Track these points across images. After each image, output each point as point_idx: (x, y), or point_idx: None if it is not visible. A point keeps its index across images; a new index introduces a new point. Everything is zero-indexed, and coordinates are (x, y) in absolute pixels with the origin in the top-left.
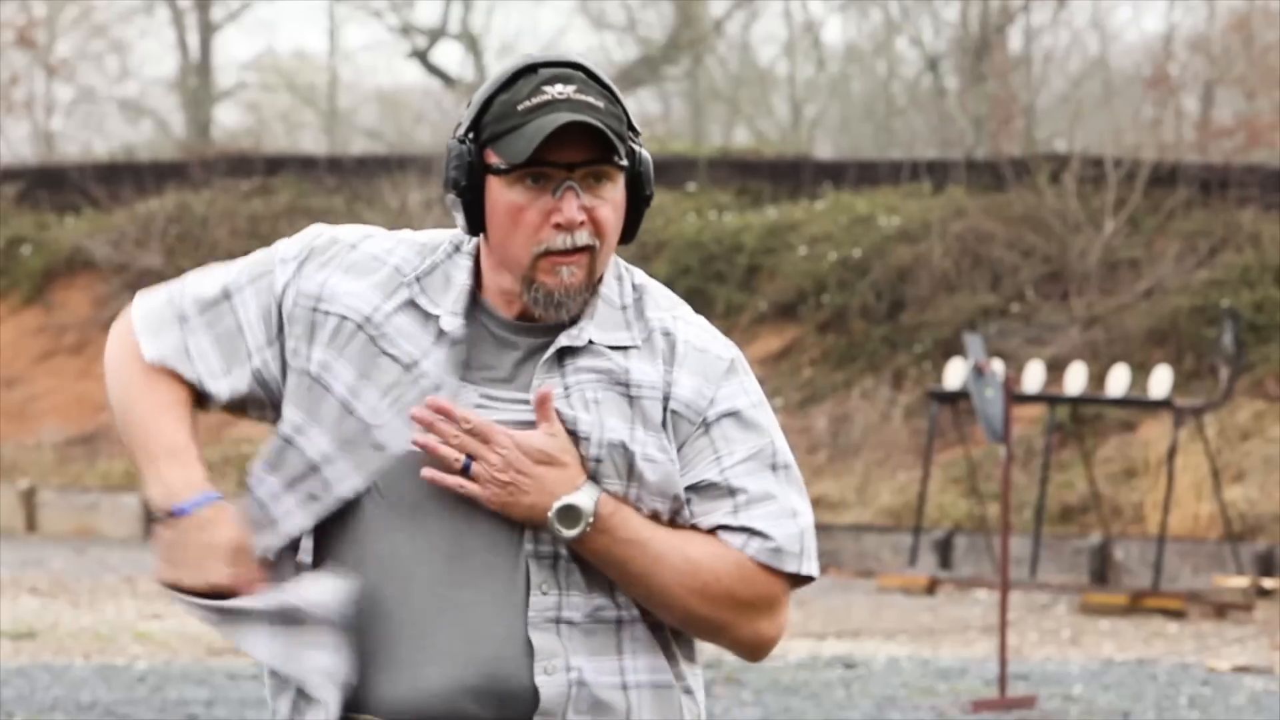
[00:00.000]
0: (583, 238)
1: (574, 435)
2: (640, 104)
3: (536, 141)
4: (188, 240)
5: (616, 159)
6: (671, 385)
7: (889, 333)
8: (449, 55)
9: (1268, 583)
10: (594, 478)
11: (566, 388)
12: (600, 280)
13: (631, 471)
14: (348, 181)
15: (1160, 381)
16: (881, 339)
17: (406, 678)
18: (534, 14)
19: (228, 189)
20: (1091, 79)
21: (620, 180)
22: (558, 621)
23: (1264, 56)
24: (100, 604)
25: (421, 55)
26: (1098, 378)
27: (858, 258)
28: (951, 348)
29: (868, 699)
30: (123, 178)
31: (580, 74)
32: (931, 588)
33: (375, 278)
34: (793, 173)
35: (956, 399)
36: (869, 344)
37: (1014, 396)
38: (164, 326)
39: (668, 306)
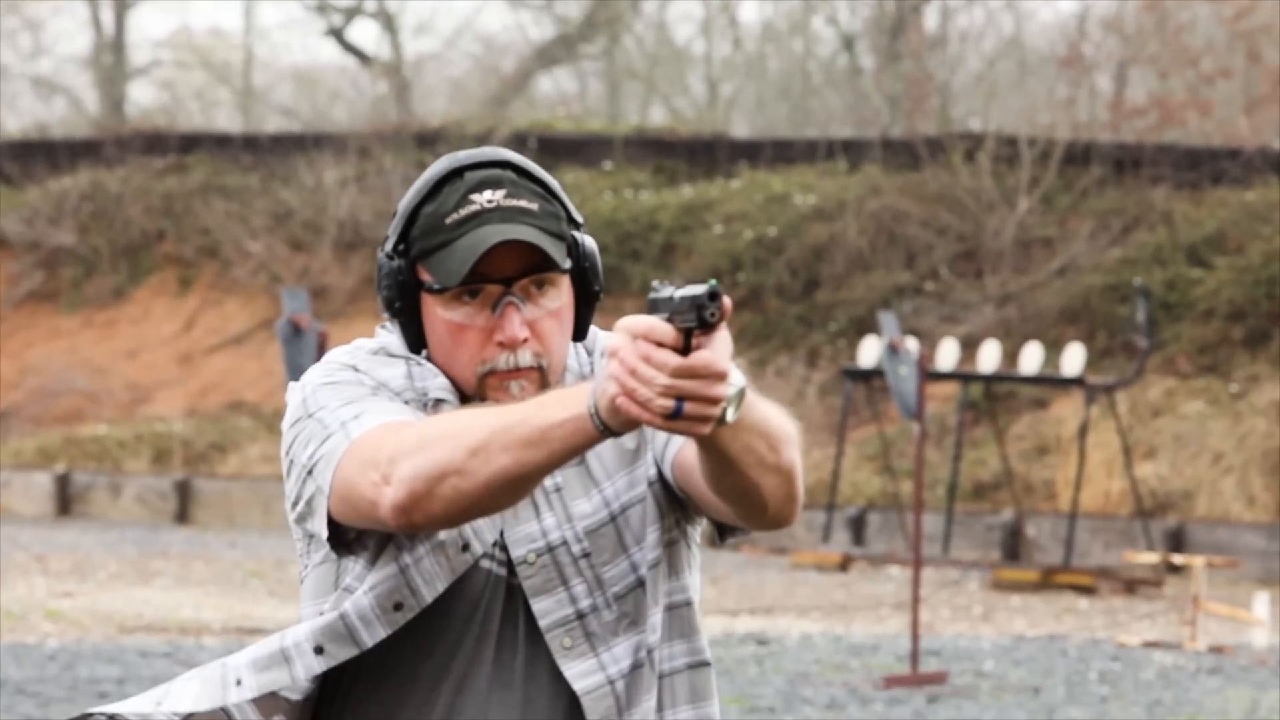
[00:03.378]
0: (526, 357)
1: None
2: (557, 82)
3: (470, 263)
4: (101, 218)
5: (555, 265)
6: None
7: (804, 311)
8: (365, 33)
9: (1177, 559)
10: (591, 563)
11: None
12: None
13: (621, 541)
14: (263, 160)
15: (1073, 359)
16: (796, 317)
17: None
18: None
19: (142, 167)
20: (1006, 58)
21: (564, 283)
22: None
23: (1177, 36)
24: (11, 582)
25: (337, 33)
26: (1011, 355)
27: (773, 236)
28: (866, 326)
29: (780, 675)
30: (36, 155)
31: (509, 173)
32: (845, 564)
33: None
34: (709, 151)
35: (871, 377)
36: (784, 322)
37: (928, 374)
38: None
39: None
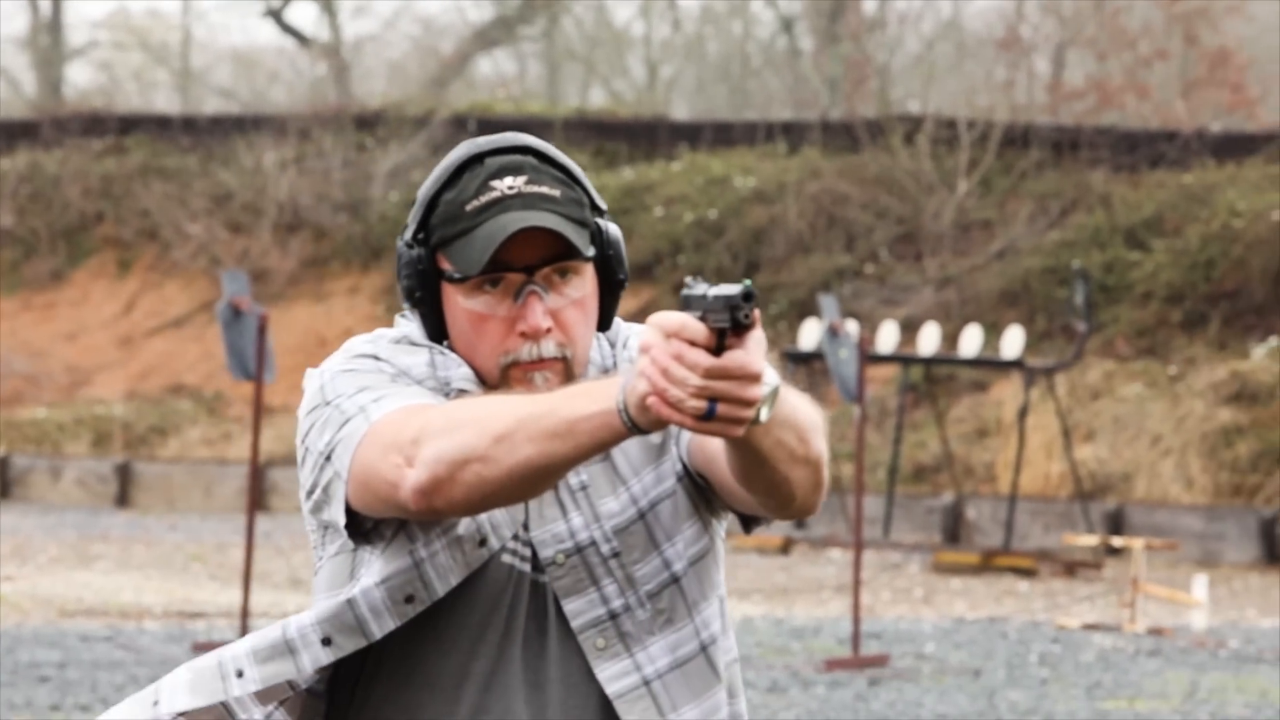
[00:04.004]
0: (549, 348)
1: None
2: (496, 64)
3: (490, 251)
4: (39, 200)
5: (579, 252)
6: None
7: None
8: (304, 14)
9: (1117, 541)
10: (621, 562)
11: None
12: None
13: (652, 538)
14: (202, 141)
15: (1012, 342)
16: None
17: None
18: None
19: (80, 148)
20: (945, 40)
21: (588, 271)
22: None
23: (1114, 18)
24: None
25: (276, 14)
26: (951, 338)
27: (713, 219)
28: (806, 308)
29: None
30: None
31: (530, 159)
32: (786, 547)
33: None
34: (649, 134)
35: (811, 359)
36: None
37: (868, 357)
38: (401, 405)
39: (637, 333)
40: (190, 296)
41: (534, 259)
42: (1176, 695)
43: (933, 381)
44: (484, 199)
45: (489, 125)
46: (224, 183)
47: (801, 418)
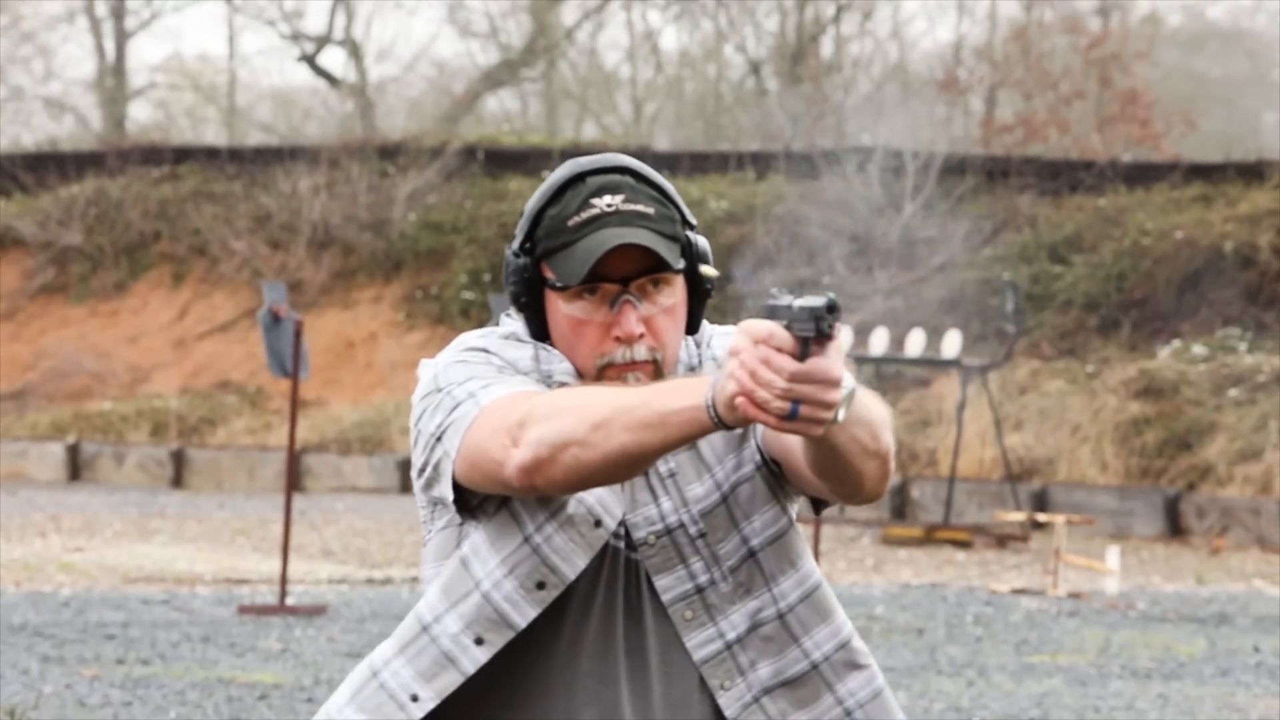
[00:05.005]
0: (641, 352)
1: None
2: (501, 102)
3: (589, 265)
4: (105, 220)
5: (669, 265)
6: None
7: (718, 302)
8: (334, 59)
9: (1041, 517)
10: (707, 542)
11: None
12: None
13: (733, 518)
14: (246, 169)
15: (951, 344)
16: (712, 308)
17: None
18: (408, 23)
19: (140, 176)
20: (892, 82)
21: (678, 281)
22: (757, 700)
23: (1039, 63)
24: (29, 539)
25: (310, 59)
26: (898, 340)
27: None
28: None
29: None
30: (48, 166)
31: (628, 179)
32: None
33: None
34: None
35: None
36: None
37: None
38: (504, 392)
39: (720, 334)
40: (235, 304)
41: (629, 271)
42: (1092, 650)
43: (882, 378)
44: (584, 215)
45: (495, 155)
46: (265, 205)
47: (873, 415)
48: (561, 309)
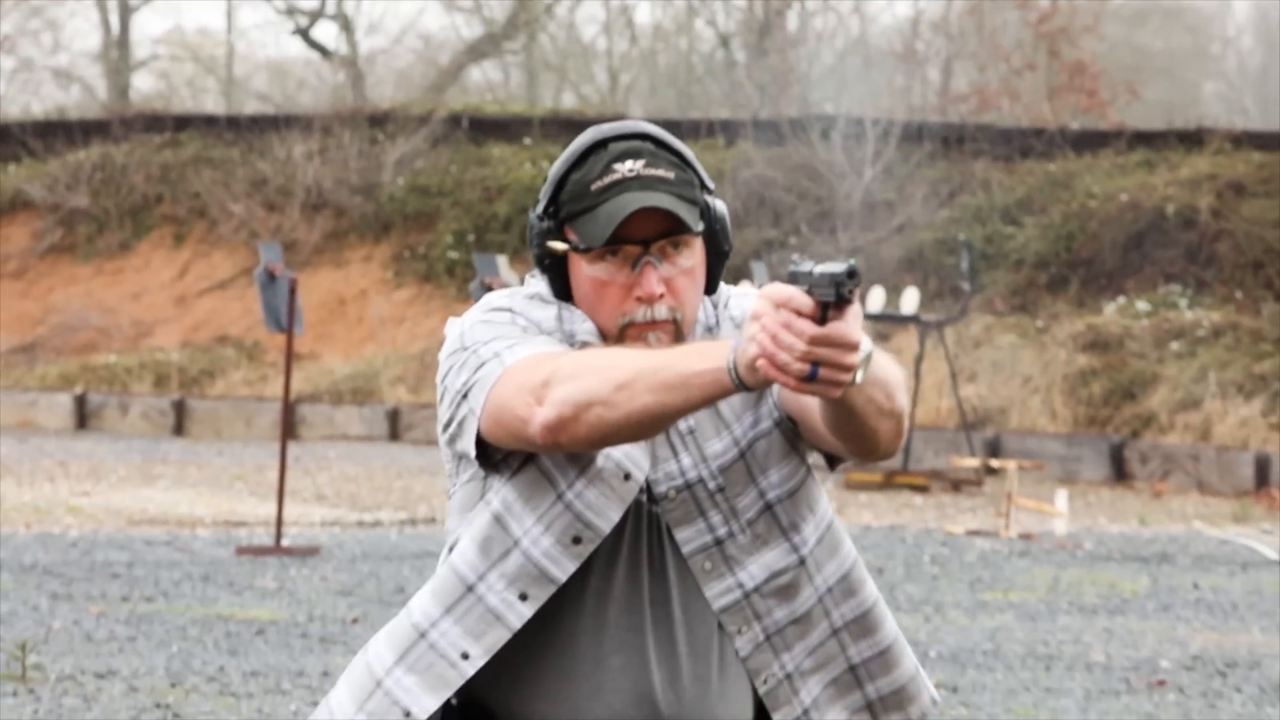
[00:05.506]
0: (662, 311)
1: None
2: (484, 73)
3: (611, 228)
4: (110, 184)
5: (689, 228)
6: None
7: None
8: (326, 32)
9: (994, 463)
10: (726, 497)
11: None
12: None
13: (750, 473)
14: (243, 136)
15: (909, 300)
16: (527, 240)
17: (570, 706)
18: None
19: (143, 142)
20: (854, 54)
21: (697, 243)
22: (769, 639)
23: (993, 36)
24: (39, 484)
25: (303, 32)
26: (859, 297)
27: None
28: (740, 274)
29: None
30: (56, 133)
31: (648, 144)
32: None
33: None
34: None
35: None
36: None
37: None
38: (531, 352)
39: (736, 295)
40: (233, 264)
41: (650, 233)
42: (1042, 588)
43: None
44: (607, 180)
45: (478, 123)
46: (261, 170)
47: (889, 377)
48: (584, 271)
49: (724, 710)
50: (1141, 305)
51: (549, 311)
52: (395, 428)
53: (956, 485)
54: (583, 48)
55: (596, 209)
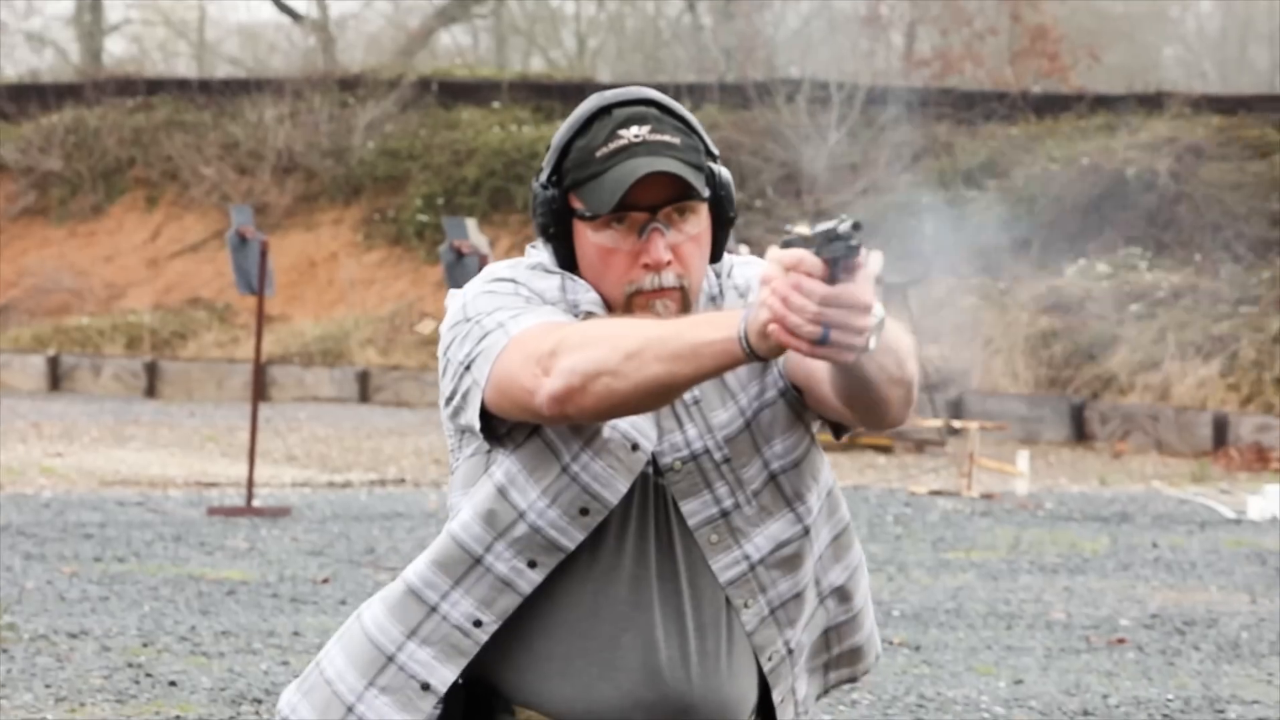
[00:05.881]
0: (669, 278)
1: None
2: (454, 37)
3: (619, 194)
4: (83, 147)
5: (696, 194)
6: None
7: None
8: None
9: (957, 424)
10: (732, 468)
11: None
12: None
13: (755, 443)
14: (215, 100)
15: (875, 263)
16: (530, 209)
17: (580, 685)
18: None
19: (116, 106)
20: (819, 18)
21: (703, 210)
22: (773, 612)
23: (955, 1)
24: (11, 445)
25: None
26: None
27: None
28: None
29: None
30: (29, 96)
31: (653, 110)
32: None
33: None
34: (578, 94)
35: None
36: None
37: None
38: (537, 323)
39: (740, 263)
40: (205, 226)
41: (657, 200)
42: (1003, 547)
43: None
44: (613, 146)
45: (448, 86)
46: (232, 134)
47: (900, 344)
48: (590, 238)
49: (732, 686)
50: (1102, 267)
51: (552, 281)
52: (365, 389)
53: (919, 446)
54: (551, 12)
55: (603, 175)
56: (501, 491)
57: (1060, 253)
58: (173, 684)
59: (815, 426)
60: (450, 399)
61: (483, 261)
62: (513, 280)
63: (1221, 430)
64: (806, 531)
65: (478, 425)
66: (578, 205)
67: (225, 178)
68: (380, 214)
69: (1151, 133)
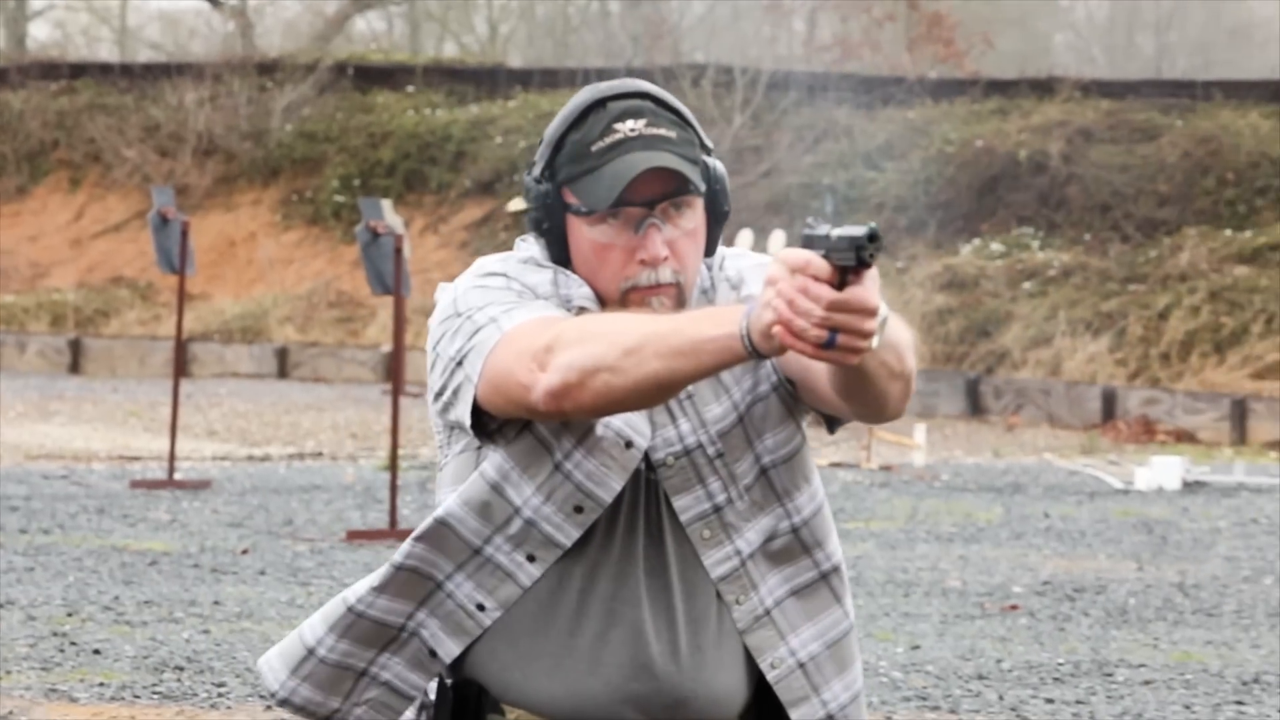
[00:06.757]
0: (666, 274)
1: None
2: (369, 23)
3: (617, 190)
4: (6, 130)
5: (693, 188)
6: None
7: None
8: None
9: None
10: (725, 462)
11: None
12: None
13: (748, 437)
14: (136, 83)
15: (776, 242)
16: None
17: (569, 682)
18: None
19: (40, 90)
20: (723, 5)
21: (699, 204)
22: (767, 615)
23: None
24: None
25: None
26: (728, 239)
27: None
28: None
29: None
30: None
31: (649, 103)
32: None
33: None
34: (490, 78)
35: None
36: None
37: None
38: (533, 316)
39: (731, 255)
40: (127, 207)
41: (653, 195)
42: (901, 517)
43: None
44: (608, 140)
45: (363, 71)
46: (154, 116)
47: (900, 339)
48: (585, 234)
49: (723, 680)
50: (996, 247)
51: (544, 275)
52: (284, 365)
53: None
54: None
55: (599, 170)
56: (495, 488)
57: (956, 232)
58: (97, 652)
59: (806, 420)
60: (440, 394)
61: (398, 242)
62: (504, 275)
63: (1110, 404)
64: (794, 530)
65: (469, 421)
66: (572, 200)
67: (147, 160)
68: (298, 195)
69: (1043, 116)
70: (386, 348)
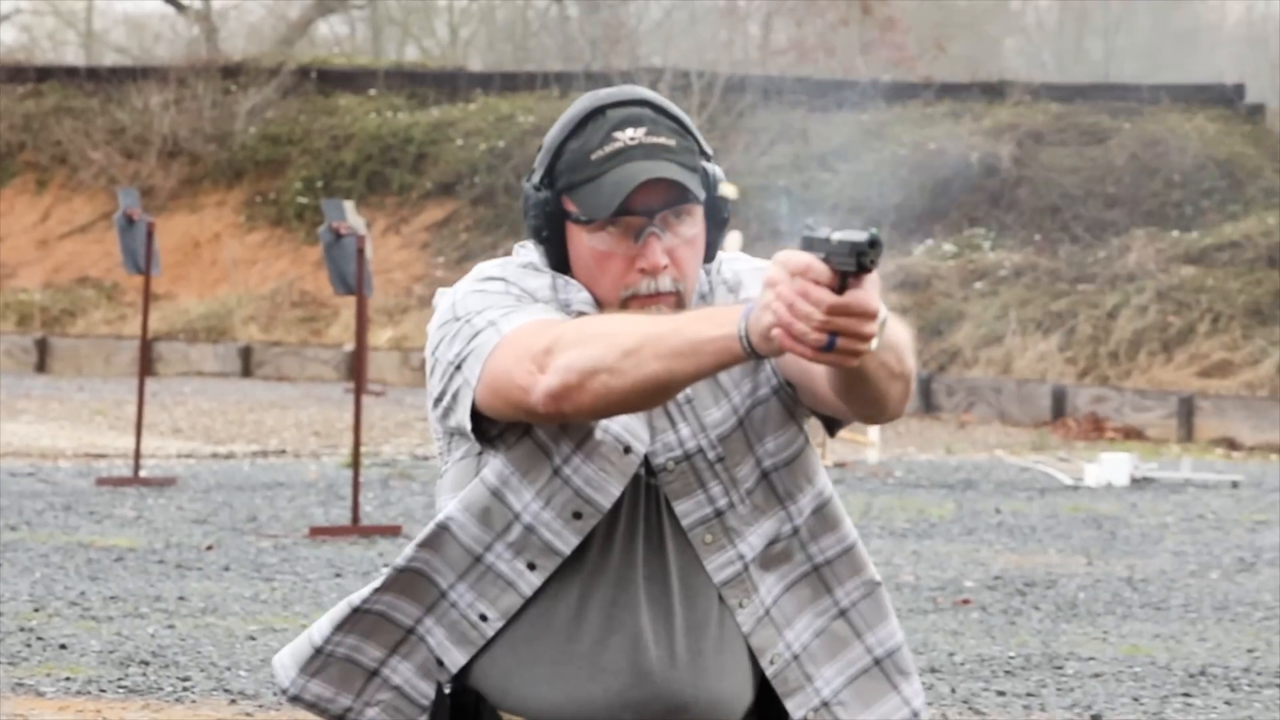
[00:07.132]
0: (666, 282)
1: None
2: (332, 27)
3: (619, 199)
4: None
5: (693, 197)
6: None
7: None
8: None
9: None
10: (725, 467)
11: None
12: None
13: (748, 441)
14: (102, 87)
15: (733, 242)
16: (521, 211)
17: (568, 689)
18: None
19: (6, 93)
20: (680, 9)
21: (698, 212)
22: (766, 614)
23: None
24: None
25: None
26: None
27: (502, 147)
28: None
29: None
30: None
31: (648, 111)
32: None
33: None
34: (451, 81)
35: None
36: (512, 214)
37: None
38: (532, 320)
39: (728, 258)
40: (93, 208)
41: (654, 204)
42: (855, 513)
43: None
44: (608, 149)
45: (326, 74)
46: (119, 119)
47: (900, 339)
48: (585, 242)
49: (724, 685)
50: (948, 247)
51: (543, 280)
52: (247, 364)
53: None
54: (424, 3)
55: (599, 179)
56: (495, 493)
57: (909, 233)
58: (63, 647)
59: (807, 422)
60: (439, 399)
61: (360, 242)
62: (503, 279)
63: (1060, 402)
64: (795, 532)
65: (468, 425)
66: (572, 208)
67: (113, 162)
68: (262, 196)
69: (994, 119)
70: (349, 347)
